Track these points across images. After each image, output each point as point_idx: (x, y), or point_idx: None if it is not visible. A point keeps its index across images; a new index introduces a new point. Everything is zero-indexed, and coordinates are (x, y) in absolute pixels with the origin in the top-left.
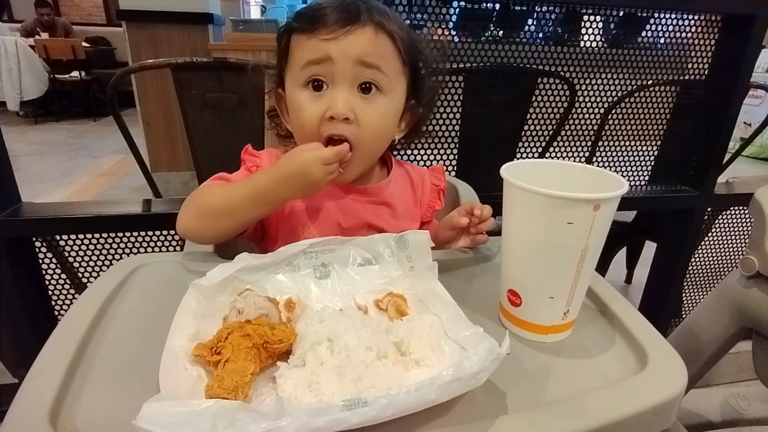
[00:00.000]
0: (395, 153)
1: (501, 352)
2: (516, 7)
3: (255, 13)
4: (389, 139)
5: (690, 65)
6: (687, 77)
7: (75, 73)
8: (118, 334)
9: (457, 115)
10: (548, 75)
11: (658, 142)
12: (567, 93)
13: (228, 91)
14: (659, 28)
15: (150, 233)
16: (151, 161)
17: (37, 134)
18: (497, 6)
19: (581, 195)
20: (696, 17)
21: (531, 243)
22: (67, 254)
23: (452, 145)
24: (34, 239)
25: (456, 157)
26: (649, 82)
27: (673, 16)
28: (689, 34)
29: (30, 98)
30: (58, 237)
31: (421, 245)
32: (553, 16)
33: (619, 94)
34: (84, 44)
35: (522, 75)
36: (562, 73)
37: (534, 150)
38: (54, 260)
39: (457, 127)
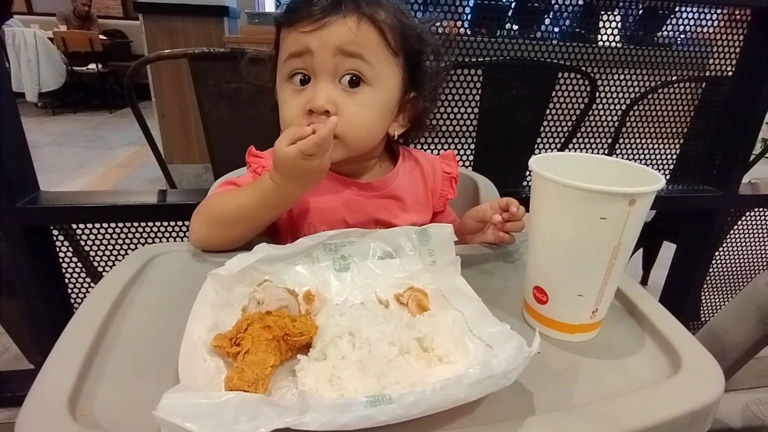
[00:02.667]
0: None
1: (531, 350)
2: (534, 3)
3: (270, 7)
4: (380, 133)
5: (715, 61)
6: (712, 74)
7: (92, 66)
8: (135, 323)
9: (475, 110)
10: (569, 70)
11: (681, 141)
12: (588, 88)
13: (245, 82)
14: (683, 22)
15: (165, 224)
16: (165, 153)
17: (55, 125)
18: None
19: (617, 189)
20: (723, 11)
21: (560, 238)
22: (83, 243)
23: (469, 140)
24: (51, 227)
25: (473, 151)
26: (672, 79)
27: (699, 10)
28: (715, 29)
29: (48, 90)
30: (74, 226)
31: (444, 239)
32: (573, 11)
33: (641, 91)
34: (101, 37)
35: (542, 69)
36: (582, 68)
37: (552, 147)
38: (71, 248)
39: (474, 122)
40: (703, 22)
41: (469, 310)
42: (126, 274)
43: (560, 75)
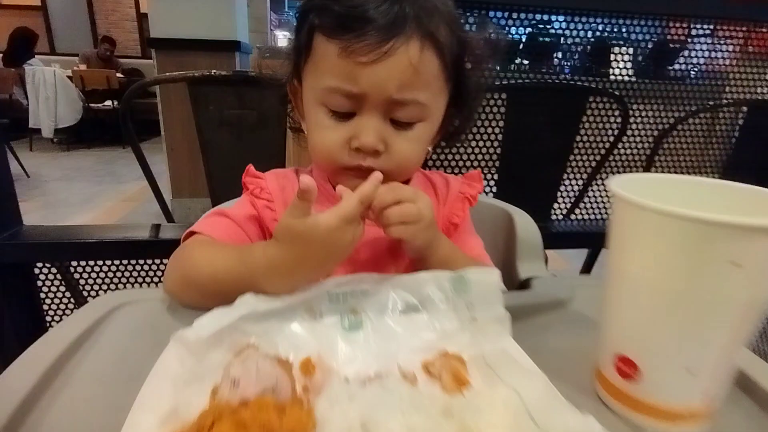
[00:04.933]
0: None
1: None
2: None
3: (283, 42)
4: (421, 161)
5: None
6: (758, 97)
7: (108, 102)
8: (75, 396)
9: (499, 137)
10: (598, 93)
11: (720, 170)
12: (619, 114)
13: (248, 108)
14: (726, 41)
15: (158, 261)
16: (173, 187)
17: (68, 160)
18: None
19: (762, 222)
20: None
21: (662, 290)
22: (70, 281)
23: (493, 170)
24: (34, 265)
25: (496, 182)
26: (710, 104)
27: (744, 27)
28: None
29: (64, 126)
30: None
31: (488, 289)
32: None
33: (676, 116)
34: (118, 75)
35: (570, 93)
36: (614, 92)
37: (580, 177)
38: (55, 287)
39: (498, 149)
40: (749, 41)
41: (528, 388)
42: (72, 332)
43: (591, 100)
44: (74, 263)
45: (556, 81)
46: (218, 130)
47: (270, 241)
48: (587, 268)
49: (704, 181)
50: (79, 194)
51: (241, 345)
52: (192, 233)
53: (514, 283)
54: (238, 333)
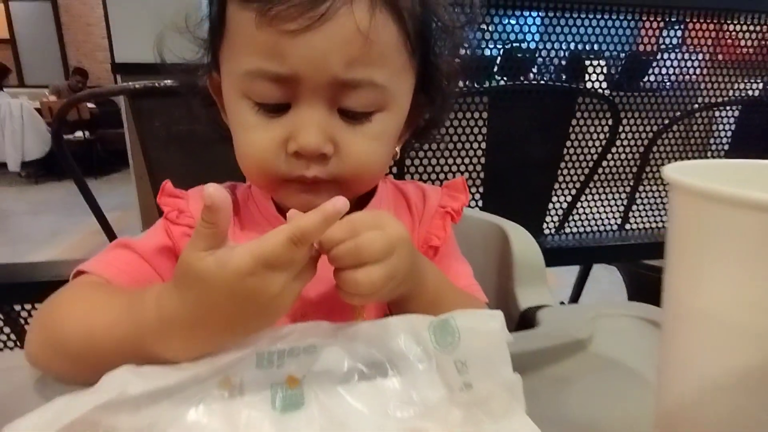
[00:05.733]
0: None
1: None
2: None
3: None
4: (389, 163)
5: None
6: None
7: (79, 133)
8: None
9: (482, 144)
10: (587, 95)
11: None
12: (609, 117)
13: (200, 122)
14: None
15: None
16: (143, 218)
17: (36, 194)
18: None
19: None
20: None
21: None
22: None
23: (477, 181)
24: None
25: (481, 195)
26: (705, 102)
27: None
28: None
29: (31, 159)
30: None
31: (488, 340)
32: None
33: (669, 117)
34: (90, 105)
35: (558, 95)
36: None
37: (572, 185)
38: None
39: (482, 159)
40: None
41: None
42: None
43: (580, 102)
44: (26, 308)
45: (541, 83)
46: (166, 148)
47: (167, 284)
48: (580, 285)
49: None
50: (45, 229)
51: None
52: (80, 273)
53: (512, 316)
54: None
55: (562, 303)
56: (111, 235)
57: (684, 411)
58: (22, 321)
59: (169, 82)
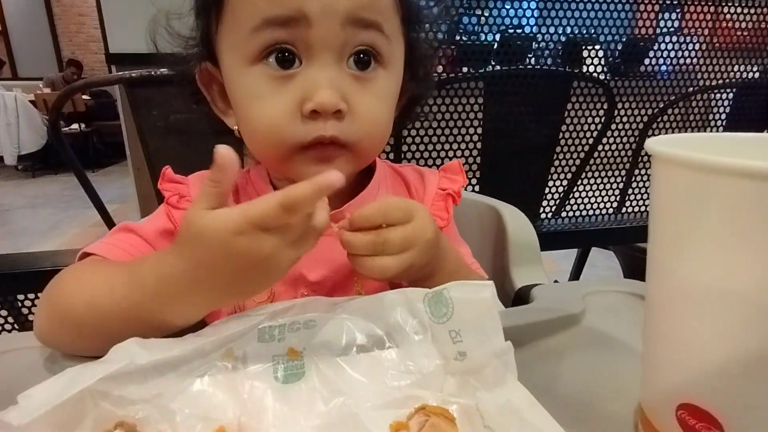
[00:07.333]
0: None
1: None
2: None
3: None
4: (390, 130)
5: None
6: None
7: (75, 126)
8: None
9: (478, 130)
10: (582, 79)
11: None
12: (605, 101)
13: (197, 112)
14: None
15: None
16: (141, 210)
17: (33, 187)
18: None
19: None
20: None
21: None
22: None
23: (473, 167)
24: None
25: (478, 180)
26: (701, 86)
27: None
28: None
29: (28, 152)
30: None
31: (480, 310)
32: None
33: (665, 101)
34: (85, 97)
35: (553, 79)
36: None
37: (568, 170)
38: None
39: (478, 144)
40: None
41: None
42: None
43: (575, 86)
44: (29, 297)
45: (536, 67)
46: (165, 137)
47: (168, 248)
48: (578, 269)
49: (762, 137)
50: (43, 222)
51: (109, 421)
52: (86, 256)
53: (508, 295)
54: (109, 402)
55: (556, 281)
56: (111, 227)
57: (669, 376)
58: (26, 311)
59: (165, 70)
